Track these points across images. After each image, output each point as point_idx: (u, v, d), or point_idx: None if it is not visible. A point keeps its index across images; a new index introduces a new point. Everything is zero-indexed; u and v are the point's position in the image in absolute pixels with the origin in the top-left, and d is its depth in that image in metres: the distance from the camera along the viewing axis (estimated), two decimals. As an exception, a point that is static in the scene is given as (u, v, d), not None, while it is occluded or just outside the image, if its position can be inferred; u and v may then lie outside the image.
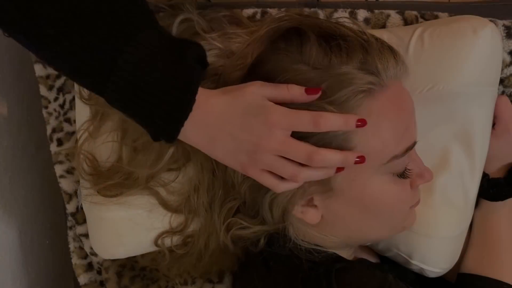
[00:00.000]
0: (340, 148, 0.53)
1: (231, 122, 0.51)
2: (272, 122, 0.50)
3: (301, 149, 0.51)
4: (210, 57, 0.58)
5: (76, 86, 0.71)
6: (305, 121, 0.50)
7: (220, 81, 0.58)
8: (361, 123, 0.51)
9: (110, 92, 0.49)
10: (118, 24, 0.49)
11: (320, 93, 0.51)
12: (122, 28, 0.49)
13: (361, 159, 0.52)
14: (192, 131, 0.52)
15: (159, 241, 0.68)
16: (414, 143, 0.57)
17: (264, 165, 0.52)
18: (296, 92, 0.51)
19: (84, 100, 0.67)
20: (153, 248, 0.70)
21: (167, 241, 0.69)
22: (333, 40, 0.53)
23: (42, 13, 0.47)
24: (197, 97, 0.50)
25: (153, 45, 0.49)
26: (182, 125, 0.50)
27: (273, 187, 0.54)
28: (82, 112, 0.69)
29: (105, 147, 0.66)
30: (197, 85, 0.50)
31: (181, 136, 0.52)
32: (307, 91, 0.51)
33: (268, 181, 0.53)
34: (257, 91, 0.51)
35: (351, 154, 0.52)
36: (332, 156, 0.51)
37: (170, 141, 0.52)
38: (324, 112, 0.50)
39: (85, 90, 0.66)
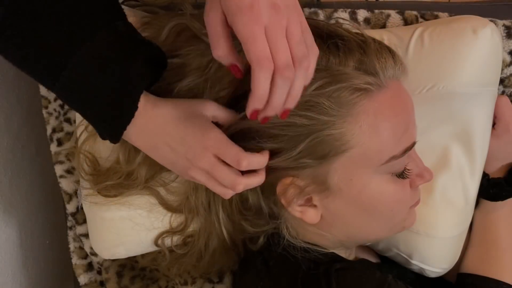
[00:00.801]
0: (338, 149, 0.53)
1: (170, 135, 0.53)
2: (206, 145, 0.53)
3: (227, 175, 0.53)
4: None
5: None
6: (230, 156, 0.53)
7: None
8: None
9: (57, 90, 0.51)
10: (74, 22, 0.49)
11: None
12: (78, 27, 0.49)
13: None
14: (135, 136, 0.54)
15: (159, 241, 0.69)
16: (414, 144, 0.57)
17: (201, 177, 0.55)
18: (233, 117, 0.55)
19: None
20: (153, 248, 0.71)
21: (167, 241, 0.69)
22: (332, 40, 0.53)
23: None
24: (143, 104, 0.52)
25: (105, 47, 0.50)
26: (124, 129, 0.52)
27: (221, 194, 0.56)
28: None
29: (105, 146, 0.66)
30: (139, 92, 0.52)
31: (126, 138, 0.54)
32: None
33: (215, 188, 0.55)
34: (207, 112, 0.54)
35: (266, 155, 0.55)
36: (255, 159, 0.54)
37: (113, 142, 0.54)
38: (250, 156, 0.53)
39: None
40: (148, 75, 0.53)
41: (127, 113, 0.52)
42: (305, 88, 0.49)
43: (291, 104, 0.47)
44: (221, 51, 0.46)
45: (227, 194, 0.55)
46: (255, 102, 0.46)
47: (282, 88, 0.45)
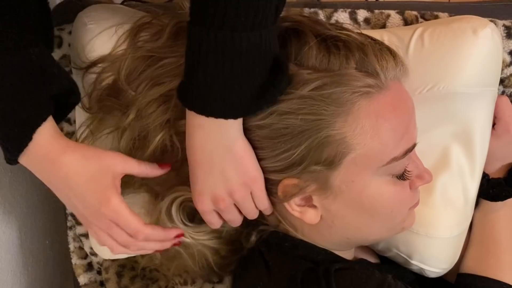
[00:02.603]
0: (337, 151, 0.53)
1: (71, 189, 0.54)
2: (103, 213, 0.54)
3: (123, 238, 0.56)
4: None
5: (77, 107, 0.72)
6: (128, 229, 0.55)
7: None
8: (178, 239, 0.61)
9: None
10: None
11: (169, 168, 0.58)
12: None
13: (179, 236, 0.61)
14: (37, 173, 0.55)
15: None
16: (414, 145, 0.57)
17: (96, 229, 0.57)
18: (151, 169, 0.58)
19: (86, 110, 0.67)
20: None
21: None
22: (332, 42, 0.53)
23: None
24: (50, 147, 0.52)
25: (7, 73, 0.50)
26: (16, 158, 0.53)
27: (111, 249, 0.58)
28: (82, 112, 0.69)
29: (104, 146, 0.66)
30: (35, 124, 0.51)
31: (27, 166, 0.54)
32: (161, 166, 0.59)
33: (107, 242, 0.57)
34: (118, 169, 0.55)
35: (171, 232, 0.60)
36: (155, 235, 0.58)
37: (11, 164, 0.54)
38: (148, 229, 0.56)
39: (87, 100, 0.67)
40: (49, 108, 0.53)
41: (20, 142, 0.51)
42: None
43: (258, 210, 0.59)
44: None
45: (118, 250, 0.58)
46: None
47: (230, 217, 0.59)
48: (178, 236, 0.61)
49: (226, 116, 0.49)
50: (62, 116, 0.56)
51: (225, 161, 0.53)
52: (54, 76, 0.53)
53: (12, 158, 0.53)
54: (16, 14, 0.52)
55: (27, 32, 0.53)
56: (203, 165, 0.53)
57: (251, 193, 0.56)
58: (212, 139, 0.51)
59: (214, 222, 0.59)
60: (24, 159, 0.53)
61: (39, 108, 0.52)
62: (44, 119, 0.52)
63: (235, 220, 0.59)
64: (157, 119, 0.59)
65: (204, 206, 0.56)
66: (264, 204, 0.58)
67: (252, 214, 0.59)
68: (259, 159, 0.55)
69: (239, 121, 0.51)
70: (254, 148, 0.55)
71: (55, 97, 0.53)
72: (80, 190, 0.53)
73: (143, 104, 0.60)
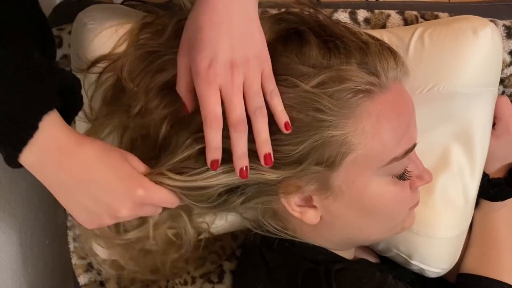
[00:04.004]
0: (338, 151, 0.53)
1: (94, 181, 0.51)
2: (140, 195, 0.52)
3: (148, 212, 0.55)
4: None
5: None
6: (165, 203, 0.55)
7: None
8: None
9: None
10: None
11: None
12: None
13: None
14: (44, 171, 0.50)
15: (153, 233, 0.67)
16: (414, 145, 0.57)
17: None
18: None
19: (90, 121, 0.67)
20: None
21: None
22: (333, 41, 0.53)
23: None
24: (64, 136, 0.49)
25: (11, 65, 0.47)
26: (18, 154, 0.47)
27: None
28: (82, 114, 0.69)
29: None
30: (41, 111, 0.47)
31: (30, 167, 0.49)
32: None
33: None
34: (129, 158, 0.54)
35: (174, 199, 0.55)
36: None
37: (12, 166, 0.50)
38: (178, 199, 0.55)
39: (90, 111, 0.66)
40: (55, 99, 0.49)
41: (24, 131, 0.47)
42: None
43: (265, 148, 0.51)
44: (179, 89, 0.54)
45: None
46: (210, 154, 0.51)
47: (237, 140, 0.50)
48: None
49: None
50: (68, 118, 0.52)
51: (248, 25, 0.50)
52: (57, 69, 0.51)
53: (13, 154, 0.47)
54: (17, 21, 0.51)
55: (27, 37, 0.51)
56: (222, 24, 0.48)
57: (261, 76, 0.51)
58: (236, 2, 0.49)
59: (213, 102, 0.49)
60: (29, 155, 0.47)
61: (45, 98, 0.48)
62: (51, 108, 0.48)
63: (237, 108, 0.50)
64: (160, 113, 0.59)
65: (217, 71, 0.48)
66: (275, 89, 0.51)
67: (259, 104, 0.51)
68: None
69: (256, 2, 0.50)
70: None
71: (60, 93, 0.50)
72: (109, 179, 0.51)
73: (146, 98, 0.60)
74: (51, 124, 0.48)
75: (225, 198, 0.57)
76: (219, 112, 0.49)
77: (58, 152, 0.48)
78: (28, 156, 0.48)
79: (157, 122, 0.59)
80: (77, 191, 0.51)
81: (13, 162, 0.48)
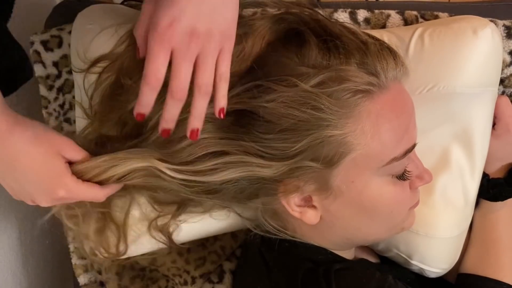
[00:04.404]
0: (337, 151, 0.53)
1: (22, 173, 0.51)
2: (62, 196, 0.53)
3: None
4: None
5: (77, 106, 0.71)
6: (88, 198, 0.55)
7: None
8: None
9: None
10: None
11: None
12: None
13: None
14: None
15: (153, 232, 0.67)
16: (414, 145, 0.57)
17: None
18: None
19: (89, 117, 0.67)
20: (152, 248, 0.70)
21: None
22: (332, 41, 0.53)
23: None
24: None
25: None
26: None
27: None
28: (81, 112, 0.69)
29: None
30: None
31: None
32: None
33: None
34: (63, 153, 0.53)
35: (100, 191, 0.56)
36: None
37: None
38: (105, 191, 0.56)
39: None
40: None
41: None
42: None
43: (196, 123, 0.51)
44: (135, 33, 0.54)
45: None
46: (138, 107, 0.50)
47: (171, 106, 0.50)
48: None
49: None
50: (10, 90, 0.53)
51: (224, 0, 0.48)
52: (7, 47, 0.50)
53: None
54: None
55: None
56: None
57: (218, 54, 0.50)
58: None
59: (159, 67, 0.48)
60: None
61: None
62: None
63: (181, 75, 0.49)
64: (158, 108, 0.59)
65: (175, 32, 0.47)
66: (226, 72, 0.51)
67: (207, 80, 0.50)
68: (256, 141, 0.54)
69: None
70: (255, 128, 0.54)
71: (2, 71, 0.50)
72: (33, 174, 0.51)
73: None
74: None
75: (223, 188, 0.57)
76: (161, 74, 0.48)
77: None
78: None
79: (156, 117, 0.59)
80: (5, 172, 0.52)
81: None
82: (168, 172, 0.55)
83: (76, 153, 0.54)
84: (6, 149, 0.49)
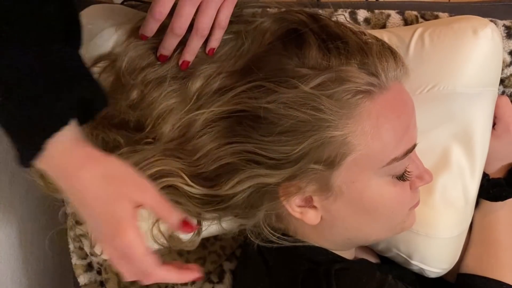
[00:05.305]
0: (338, 151, 0.53)
1: (88, 207, 0.48)
2: (117, 244, 0.47)
3: (134, 270, 0.49)
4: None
5: None
6: (141, 267, 0.49)
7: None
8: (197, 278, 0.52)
9: None
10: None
11: (194, 230, 0.52)
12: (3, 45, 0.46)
13: (198, 278, 0.52)
14: (55, 180, 0.49)
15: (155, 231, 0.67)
16: (414, 146, 0.57)
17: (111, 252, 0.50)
18: (173, 221, 0.50)
19: None
20: (152, 248, 0.70)
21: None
22: (333, 41, 0.53)
23: None
24: (65, 162, 0.47)
25: (29, 75, 0.45)
26: (27, 164, 0.47)
27: (121, 275, 0.51)
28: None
29: None
30: (50, 131, 0.46)
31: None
32: (183, 226, 0.50)
33: (118, 266, 0.50)
34: (138, 198, 0.48)
35: (188, 273, 0.52)
36: (169, 276, 0.51)
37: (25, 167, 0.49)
38: (160, 272, 0.49)
39: None
40: (66, 115, 0.47)
41: (31, 150, 0.46)
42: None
43: (187, 57, 0.58)
44: None
45: (144, 281, 0.51)
46: (143, 29, 0.58)
47: (170, 37, 0.57)
48: (196, 279, 0.53)
49: None
50: (86, 120, 0.51)
51: None
52: (78, 77, 0.49)
53: (24, 166, 0.48)
54: (35, 9, 0.48)
55: (49, 29, 0.49)
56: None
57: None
58: None
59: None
60: (38, 165, 0.47)
61: (56, 114, 0.46)
62: (58, 129, 0.46)
63: (183, 20, 0.55)
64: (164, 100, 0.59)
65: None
66: (224, 21, 0.57)
67: (205, 25, 0.56)
68: (258, 145, 0.54)
69: None
70: (255, 130, 0.54)
71: (80, 100, 0.48)
72: (96, 214, 0.48)
73: (145, 90, 0.60)
74: (56, 144, 0.46)
75: (227, 204, 0.57)
76: (165, 10, 0.55)
77: (59, 171, 0.48)
78: (38, 165, 0.48)
79: (154, 115, 0.59)
80: (78, 207, 0.49)
81: (26, 167, 0.48)
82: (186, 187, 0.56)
83: (150, 197, 0.49)
84: (75, 185, 0.47)
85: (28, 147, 0.46)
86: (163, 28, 0.59)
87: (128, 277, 0.50)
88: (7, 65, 0.45)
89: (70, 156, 0.47)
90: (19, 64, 0.46)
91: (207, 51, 0.59)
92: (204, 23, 0.56)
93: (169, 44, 0.58)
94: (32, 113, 0.45)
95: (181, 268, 0.52)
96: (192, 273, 0.52)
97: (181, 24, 0.55)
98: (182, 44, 0.59)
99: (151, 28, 0.57)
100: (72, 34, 0.52)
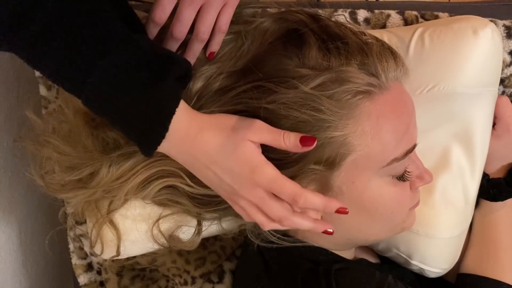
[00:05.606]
0: (338, 152, 0.53)
1: (217, 164, 0.52)
2: (257, 181, 0.51)
3: (278, 210, 0.52)
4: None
5: None
6: (286, 194, 0.51)
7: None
8: (342, 211, 0.53)
9: (84, 101, 0.50)
10: (94, 36, 0.48)
11: (315, 143, 0.51)
12: (98, 41, 0.48)
13: (343, 211, 0.53)
14: (177, 156, 0.53)
15: (155, 231, 0.67)
16: (414, 146, 0.57)
17: (245, 204, 0.53)
18: (291, 142, 0.51)
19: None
20: (152, 249, 0.70)
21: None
22: (333, 42, 0.53)
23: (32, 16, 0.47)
24: (186, 127, 0.51)
25: (126, 65, 0.49)
26: (154, 149, 0.51)
27: (261, 225, 0.54)
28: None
29: None
30: (170, 114, 0.50)
31: (166, 153, 0.53)
32: (302, 141, 0.51)
33: (256, 217, 0.54)
34: (254, 138, 0.51)
35: (333, 202, 0.53)
36: (314, 200, 0.52)
37: (147, 156, 0.53)
38: (308, 193, 0.51)
39: None
40: (178, 92, 0.51)
41: (156, 135, 0.50)
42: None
43: (189, 59, 0.57)
44: None
45: (268, 226, 0.54)
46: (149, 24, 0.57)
47: (169, 41, 0.57)
48: (340, 210, 0.53)
49: None
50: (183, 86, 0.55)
51: None
52: (169, 59, 0.52)
53: (149, 152, 0.51)
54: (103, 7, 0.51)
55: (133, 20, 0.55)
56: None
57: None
58: None
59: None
60: (161, 148, 0.51)
61: (169, 94, 0.50)
62: (177, 105, 0.50)
63: (183, 25, 0.56)
64: None
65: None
66: (224, 26, 0.57)
67: (205, 29, 0.56)
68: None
69: None
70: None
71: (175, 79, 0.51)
72: (227, 162, 0.51)
73: None
74: (178, 118, 0.50)
75: (227, 204, 0.57)
76: (165, 14, 0.55)
77: (182, 141, 0.51)
78: (160, 148, 0.52)
79: None
80: (205, 171, 0.53)
81: (148, 155, 0.52)
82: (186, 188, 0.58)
83: (267, 133, 0.52)
84: (200, 148, 0.52)
85: (155, 130, 0.50)
86: (164, 31, 0.59)
87: (267, 224, 0.53)
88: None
89: (190, 124, 0.51)
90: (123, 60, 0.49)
91: (207, 55, 0.59)
92: (204, 28, 0.56)
93: (169, 48, 0.58)
94: (149, 100, 0.49)
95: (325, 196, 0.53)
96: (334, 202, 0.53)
97: (181, 29, 0.56)
98: (183, 47, 0.59)
99: (151, 32, 0.57)
100: (134, 23, 0.56)
